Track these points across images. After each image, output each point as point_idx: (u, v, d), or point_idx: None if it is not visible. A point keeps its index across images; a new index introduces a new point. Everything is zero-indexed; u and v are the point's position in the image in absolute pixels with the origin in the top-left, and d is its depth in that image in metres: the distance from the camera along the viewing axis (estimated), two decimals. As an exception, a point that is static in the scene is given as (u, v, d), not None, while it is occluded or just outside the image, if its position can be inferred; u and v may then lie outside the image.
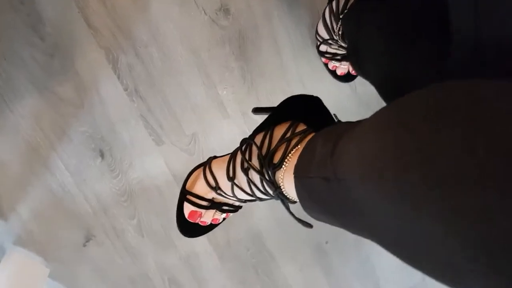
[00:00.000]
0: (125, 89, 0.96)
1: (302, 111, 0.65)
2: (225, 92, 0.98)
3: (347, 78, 0.96)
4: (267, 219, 1.13)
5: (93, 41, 0.92)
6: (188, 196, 0.67)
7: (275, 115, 0.65)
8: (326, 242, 1.16)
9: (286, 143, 0.57)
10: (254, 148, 0.61)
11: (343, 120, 0.62)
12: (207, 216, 0.68)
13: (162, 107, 0.98)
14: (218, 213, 0.69)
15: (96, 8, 0.90)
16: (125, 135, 1.01)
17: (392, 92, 0.62)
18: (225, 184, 0.64)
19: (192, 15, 0.92)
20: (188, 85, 0.97)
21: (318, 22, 0.86)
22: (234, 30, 0.93)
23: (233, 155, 0.65)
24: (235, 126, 1.01)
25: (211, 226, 0.71)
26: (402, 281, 1.22)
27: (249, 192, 0.60)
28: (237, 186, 0.61)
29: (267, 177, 0.56)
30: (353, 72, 0.95)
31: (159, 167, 1.05)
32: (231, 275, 1.19)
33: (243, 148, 0.63)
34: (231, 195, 0.63)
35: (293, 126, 0.60)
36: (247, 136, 0.65)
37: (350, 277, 1.20)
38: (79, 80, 0.95)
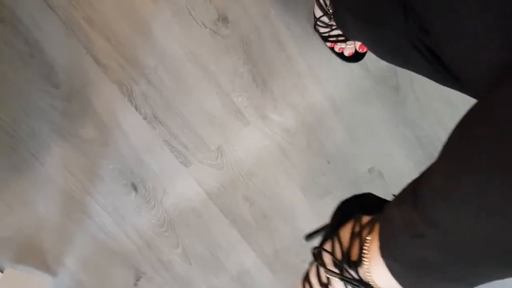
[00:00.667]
0: (144, 118, 0.98)
1: (359, 210, 0.57)
2: (240, 99, 0.99)
3: (356, 57, 0.96)
4: (309, 221, 1.11)
5: (105, 78, 0.95)
6: None
7: (333, 227, 0.59)
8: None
9: (358, 237, 0.50)
10: (327, 258, 0.54)
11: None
12: None
13: (183, 128, 1.00)
14: None
15: (102, 45, 0.93)
16: (153, 164, 1.02)
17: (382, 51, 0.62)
18: None
19: (193, 31, 0.94)
20: (203, 100, 0.98)
21: (314, 5, 0.88)
22: (236, 36, 0.95)
23: (306, 278, 0.60)
24: (257, 131, 1.02)
25: None
26: None
27: None
28: None
29: (353, 276, 0.50)
30: (361, 50, 0.95)
31: (192, 188, 1.05)
32: (286, 284, 1.16)
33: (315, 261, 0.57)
34: None
35: (357, 220, 0.54)
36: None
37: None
38: (99, 119, 0.98)
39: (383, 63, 0.99)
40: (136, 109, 0.97)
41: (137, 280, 1.12)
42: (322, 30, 0.92)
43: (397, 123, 1.03)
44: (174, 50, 0.95)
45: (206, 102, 0.99)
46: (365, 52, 0.97)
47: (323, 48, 0.97)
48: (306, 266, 1.14)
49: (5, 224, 1.05)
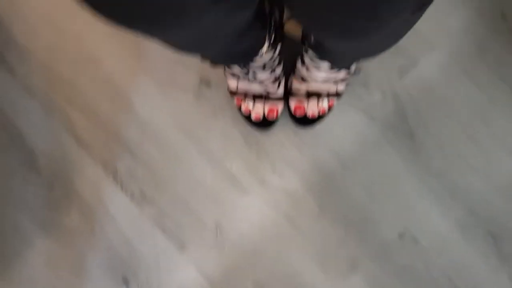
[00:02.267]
0: (132, 198, 0.89)
1: None
2: (234, 164, 0.89)
3: (264, 123, 0.87)
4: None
5: (88, 158, 0.89)
6: None
7: None
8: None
9: None
10: None
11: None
12: None
13: (175, 204, 0.89)
14: None
15: (83, 124, 0.89)
16: (144, 251, 0.90)
17: None
18: None
19: (176, 97, 0.89)
20: (194, 170, 0.89)
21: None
22: (220, 97, 0.89)
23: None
24: (257, 199, 0.89)
25: None
26: None
27: None
28: None
29: None
30: (269, 117, 0.86)
31: (191, 276, 0.90)
32: None
33: None
34: None
35: None
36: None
37: None
38: (84, 203, 0.90)
39: (387, 108, 0.89)
40: (122, 189, 0.89)
41: None
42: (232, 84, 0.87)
43: (420, 174, 0.88)
44: (158, 120, 0.89)
45: (197, 173, 0.89)
46: (276, 120, 0.88)
47: (318, 99, 0.89)
48: None
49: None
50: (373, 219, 0.90)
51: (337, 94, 0.85)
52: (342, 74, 0.80)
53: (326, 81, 0.81)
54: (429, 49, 0.89)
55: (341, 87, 0.84)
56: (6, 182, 0.90)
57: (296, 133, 0.89)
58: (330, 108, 0.87)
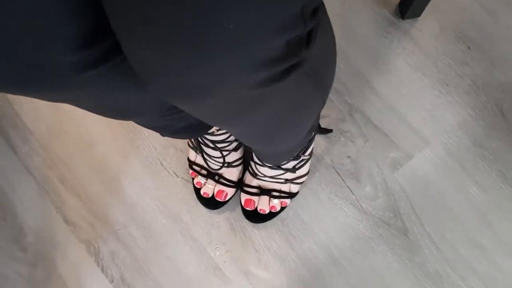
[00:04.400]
0: (111, 282, 0.86)
1: None
2: (217, 253, 0.86)
3: (211, 203, 0.87)
4: None
5: (73, 237, 0.88)
6: None
7: None
8: None
9: None
10: None
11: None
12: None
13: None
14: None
15: (73, 203, 0.90)
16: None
17: None
18: None
19: (164, 181, 0.89)
20: (177, 257, 0.86)
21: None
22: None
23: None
24: (241, 291, 0.85)
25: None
26: None
27: None
28: None
29: None
30: (218, 198, 0.86)
31: None
32: None
33: None
34: None
35: None
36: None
37: None
38: (63, 285, 0.87)
39: (379, 202, 0.85)
40: (103, 271, 0.87)
41: None
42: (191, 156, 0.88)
43: (415, 275, 0.82)
44: (146, 204, 0.89)
45: (180, 260, 0.86)
46: (224, 202, 0.87)
47: (307, 192, 0.86)
48: None
49: None
50: (365, 322, 0.83)
51: (290, 194, 0.83)
52: (288, 174, 0.80)
53: (274, 178, 0.81)
54: (424, 144, 0.86)
55: (294, 188, 0.84)
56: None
57: (284, 223, 0.86)
58: (283, 207, 0.85)
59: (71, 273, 0.88)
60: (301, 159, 0.79)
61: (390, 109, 0.89)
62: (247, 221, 0.86)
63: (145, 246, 0.87)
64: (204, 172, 0.86)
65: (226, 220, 0.87)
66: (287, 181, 0.81)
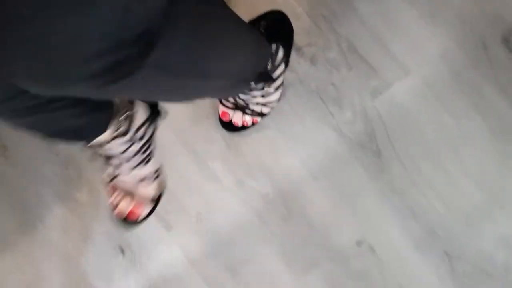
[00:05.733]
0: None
1: None
2: (215, 164, 1.01)
3: (124, 222, 0.92)
4: (298, 296, 1.02)
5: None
6: None
7: None
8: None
9: None
10: None
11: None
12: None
13: (163, 194, 1.03)
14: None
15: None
16: (138, 228, 1.06)
17: None
18: None
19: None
20: (181, 168, 1.02)
21: None
22: (207, 107, 0.99)
23: None
24: (234, 197, 1.01)
25: None
26: None
27: None
28: None
29: None
30: (130, 217, 0.90)
31: (175, 253, 1.05)
32: None
33: None
34: None
35: None
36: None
37: None
38: (91, 184, 1.06)
39: (358, 127, 0.94)
40: (121, 174, 1.05)
41: None
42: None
43: (384, 191, 0.94)
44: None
45: (184, 170, 1.02)
46: (133, 223, 0.92)
47: (293, 115, 0.96)
48: None
49: (14, 281, 1.15)
50: (335, 225, 0.98)
51: (261, 114, 0.93)
52: (259, 99, 0.89)
53: (247, 101, 0.90)
54: (404, 73, 0.91)
55: (265, 110, 0.93)
56: (34, 160, 1.09)
57: (271, 141, 0.98)
58: (253, 123, 0.95)
59: (96, 175, 1.06)
60: (266, 90, 0.88)
61: (376, 38, 0.93)
62: (240, 138, 0.99)
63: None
64: (119, 190, 0.88)
65: (222, 138, 1.00)
66: (258, 104, 0.91)
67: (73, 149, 1.06)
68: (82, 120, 0.66)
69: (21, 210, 1.11)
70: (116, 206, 0.89)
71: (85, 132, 0.71)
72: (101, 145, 0.75)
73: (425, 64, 0.91)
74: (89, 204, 1.08)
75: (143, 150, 0.82)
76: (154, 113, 0.85)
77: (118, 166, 0.82)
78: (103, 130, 0.72)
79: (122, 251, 1.08)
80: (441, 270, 0.94)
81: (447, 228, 0.93)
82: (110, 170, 0.86)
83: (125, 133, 0.76)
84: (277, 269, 1.01)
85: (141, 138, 0.80)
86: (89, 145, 0.74)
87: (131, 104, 0.78)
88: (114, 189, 0.88)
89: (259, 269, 1.03)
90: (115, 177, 0.86)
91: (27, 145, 1.09)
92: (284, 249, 1.01)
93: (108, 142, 0.75)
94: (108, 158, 0.80)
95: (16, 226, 1.12)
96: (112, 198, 0.89)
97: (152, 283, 1.08)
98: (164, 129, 1.02)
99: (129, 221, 0.91)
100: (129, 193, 0.88)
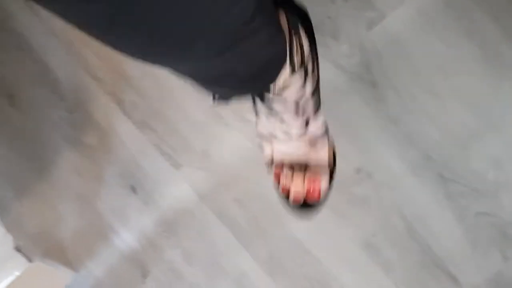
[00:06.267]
0: (135, 124, 1.09)
1: None
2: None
3: (304, 209, 0.76)
4: (299, 225, 1.09)
5: (100, 90, 1.08)
6: None
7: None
8: (373, 236, 1.07)
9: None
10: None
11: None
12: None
13: (170, 132, 1.08)
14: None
15: (95, 62, 1.07)
16: (147, 167, 1.11)
17: None
18: None
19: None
20: (186, 107, 1.06)
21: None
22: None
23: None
24: (239, 133, 1.06)
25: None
26: (479, 269, 1.04)
27: None
28: None
29: None
30: (310, 201, 0.74)
31: (184, 190, 1.11)
32: (283, 290, 1.15)
33: None
34: None
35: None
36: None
37: (414, 269, 1.07)
38: (99, 127, 1.11)
39: (355, 59, 0.97)
40: (127, 117, 1.08)
41: (144, 278, 1.20)
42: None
43: (380, 120, 0.99)
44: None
45: (188, 109, 1.06)
46: (316, 204, 0.76)
47: (292, 48, 0.99)
48: (303, 270, 1.11)
49: (32, 223, 1.21)
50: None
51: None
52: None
53: None
54: (398, 3, 0.94)
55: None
56: (39, 106, 1.12)
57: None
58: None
59: (104, 118, 1.10)
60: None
61: (371, -30, 0.94)
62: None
63: (159, 98, 1.06)
64: (286, 169, 0.71)
65: (223, 76, 1.03)
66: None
67: (78, 93, 1.10)
68: (271, 47, 0.50)
69: (33, 156, 1.16)
70: (288, 191, 0.74)
71: (274, 63, 0.55)
72: (283, 87, 0.60)
73: (418, -7, 0.93)
74: (98, 146, 1.12)
75: (315, 87, 0.67)
76: (313, 37, 0.67)
77: (286, 132, 0.67)
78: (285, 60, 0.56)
79: (134, 191, 1.14)
80: (435, 191, 1.01)
81: (441, 152, 0.99)
82: (268, 150, 0.74)
83: (301, 65, 0.61)
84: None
85: (312, 70, 0.66)
86: (271, 91, 0.59)
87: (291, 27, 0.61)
88: (280, 170, 0.74)
89: (266, 200, 1.09)
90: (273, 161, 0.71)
91: (33, 92, 1.12)
92: (287, 180, 1.07)
93: (287, 81, 0.59)
94: (273, 122, 0.65)
95: (30, 172, 1.17)
96: (281, 183, 0.74)
97: (165, 219, 1.15)
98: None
99: (310, 203, 0.76)
100: (299, 168, 0.72)
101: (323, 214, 1.07)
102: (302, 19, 0.65)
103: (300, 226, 1.09)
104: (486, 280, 1.05)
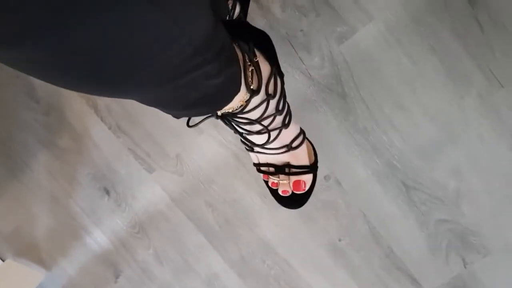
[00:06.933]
0: (109, 128, 1.10)
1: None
2: (191, 109, 1.06)
3: (292, 200, 0.82)
4: (271, 228, 1.13)
5: (75, 94, 1.09)
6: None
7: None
8: (340, 240, 1.11)
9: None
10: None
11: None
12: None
13: (144, 137, 1.09)
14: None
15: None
16: (121, 170, 1.13)
17: None
18: None
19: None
20: (160, 112, 1.07)
21: None
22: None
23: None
24: (211, 139, 1.08)
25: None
26: (439, 272, 1.10)
27: None
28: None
29: None
30: (298, 190, 0.79)
31: (157, 193, 1.14)
32: (253, 290, 1.19)
33: None
34: None
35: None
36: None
37: (378, 272, 1.12)
38: (73, 130, 1.11)
39: (325, 71, 1.00)
40: (102, 120, 1.09)
41: (117, 278, 1.22)
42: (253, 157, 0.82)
43: (348, 130, 1.03)
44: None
45: (163, 114, 1.07)
46: (306, 198, 0.83)
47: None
48: (272, 272, 1.15)
49: (6, 222, 1.22)
50: (306, 162, 1.07)
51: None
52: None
53: None
54: (368, 19, 0.97)
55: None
56: (14, 108, 1.12)
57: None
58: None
59: (78, 121, 1.11)
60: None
61: (343, -14, 0.97)
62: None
63: (132, 102, 1.08)
64: (272, 169, 0.78)
65: (197, 83, 1.05)
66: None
67: (53, 97, 1.10)
68: (220, 78, 0.51)
69: (8, 157, 1.16)
70: (277, 185, 0.80)
71: (225, 92, 0.57)
72: (241, 107, 0.62)
73: (387, 10, 0.96)
74: (72, 150, 1.13)
75: (282, 104, 0.70)
76: (274, 58, 0.69)
77: (261, 139, 0.72)
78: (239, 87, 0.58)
79: (107, 192, 1.15)
80: (399, 198, 1.06)
81: (405, 161, 1.03)
82: (252, 155, 0.79)
83: (258, 87, 0.62)
84: (252, 201, 1.11)
85: (274, 90, 0.67)
86: (224, 111, 0.63)
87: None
88: (267, 170, 0.80)
89: (237, 204, 1.12)
90: (260, 164, 0.80)
91: (9, 95, 1.12)
92: (258, 184, 1.10)
93: (246, 102, 0.62)
94: (249, 130, 0.69)
95: (4, 172, 1.17)
96: (270, 181, 0.80)
97: (138, 221, 1.17)
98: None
99: (298, 195, 0.82)
100: (284, 168, 0.78)
101: (292, 218, 1.11)
102: (262, 42, 0.66)
103: (270, 230, 1.13)
104: (445, 284, 1.11)
